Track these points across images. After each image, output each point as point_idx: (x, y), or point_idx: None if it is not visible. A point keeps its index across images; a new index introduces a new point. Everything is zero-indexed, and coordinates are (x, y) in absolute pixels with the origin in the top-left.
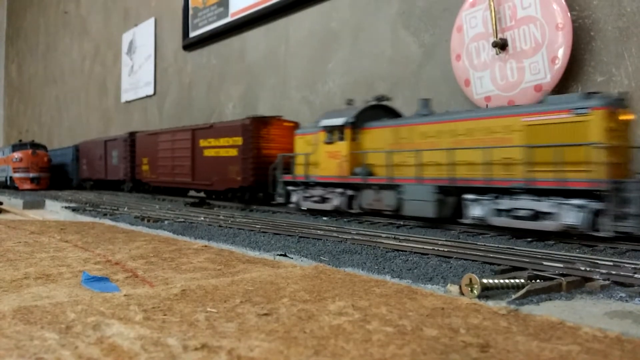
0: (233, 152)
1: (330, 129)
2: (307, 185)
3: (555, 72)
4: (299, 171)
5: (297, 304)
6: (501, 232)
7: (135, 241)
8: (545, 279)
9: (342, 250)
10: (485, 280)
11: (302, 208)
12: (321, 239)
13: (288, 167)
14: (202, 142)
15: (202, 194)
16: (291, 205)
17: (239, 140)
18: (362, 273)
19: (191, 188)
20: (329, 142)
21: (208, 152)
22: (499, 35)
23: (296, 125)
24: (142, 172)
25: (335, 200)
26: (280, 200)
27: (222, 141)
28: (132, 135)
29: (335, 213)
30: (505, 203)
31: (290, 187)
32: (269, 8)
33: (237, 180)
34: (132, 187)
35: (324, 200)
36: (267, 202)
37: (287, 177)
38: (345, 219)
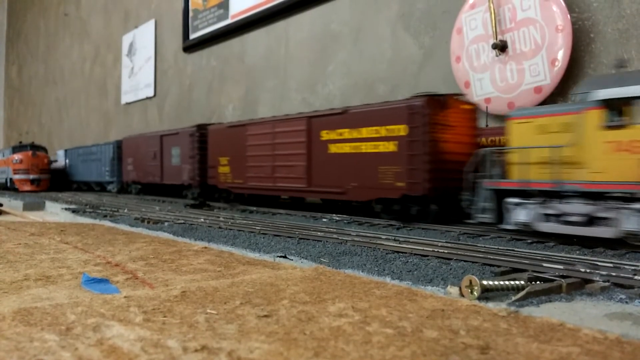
0: (389, 147)
1: (619, 104)
2: (548, 196)
3: (555, 74)
4: (523, 174)
5: (297, 306)
6: (501, 234)
7: (135, 243)
8: (545, 280)
9: (342, 251)
10: (485, 282)
11: (541, 230)
12: (321, 241)
13: (478, 168)
14: (326, 134)
15: (318, 201)
16: (508, 227)
17: (400, 130)
18: (362, 275)
19: (306, 196)
20: (616, 126)
21: (337, 148)
22: (499, 37)
23: (475, 108)
24: (219, 176)
25: (628, 221)
26: (484, 218)
27: (367, 132)
28: (201, 128)
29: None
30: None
31: (510, 200)
32: (269, 10)
33: (396, 187)
34: (199, 193)
35: (591, 221)
36: (446, 218)
37: (503, 184)
38: (345, 221)
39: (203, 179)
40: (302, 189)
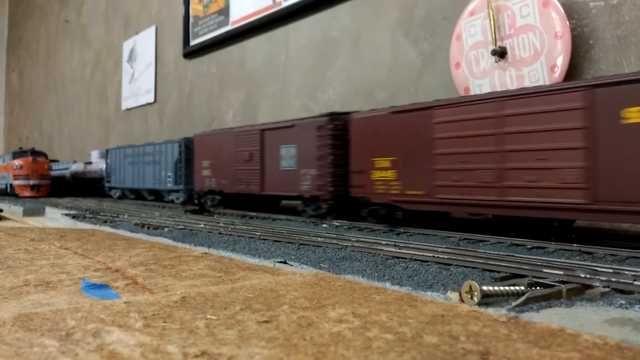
0: None
1: None
2: None
3: (555, 80)
4: None
5: (297, 311)
6: (501, 239)
7: (135, 248)
8: (545, 286)
9: (342, 257)
10: (485, 288)
11: None
12: (321, 246)
13: None
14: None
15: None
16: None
17: None
18: (362, 280)
19: (591, 219)
20: None
21: None
22: (498, 44)
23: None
24: (372, 185)
25: None
26: None
27: None
28: (335, 118)
29: None
30: None
31: None
32: (269, 16)
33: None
34: (332, 209)
35: None
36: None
37: None
38: (345, 226)
39: (339, 189)
40: (578, 203)
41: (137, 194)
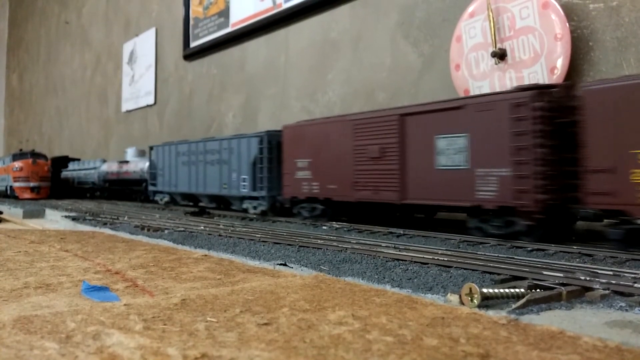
0: None
1: None
2: None
3: (554, 82)
4: None
5: (297, 314)
6: (501, 242)
7: (135, 250)
8: (545, 288)
9: (342, 259)
10: (485, 290)
11: None
12: (321, 248)
13: None
14: None
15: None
16: None
17: None
18: (362, 282)
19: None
20: None
21: None
22: (498, 46)
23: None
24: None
25: None
26: None
27: None
28: (546, 91)
29: None
30: None
31: None
32: (269, 18)
33: None
34: (541, 223)
35: None
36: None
37: None
38: (345, 228)
39: (554, 197)
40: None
41: (194, 200)
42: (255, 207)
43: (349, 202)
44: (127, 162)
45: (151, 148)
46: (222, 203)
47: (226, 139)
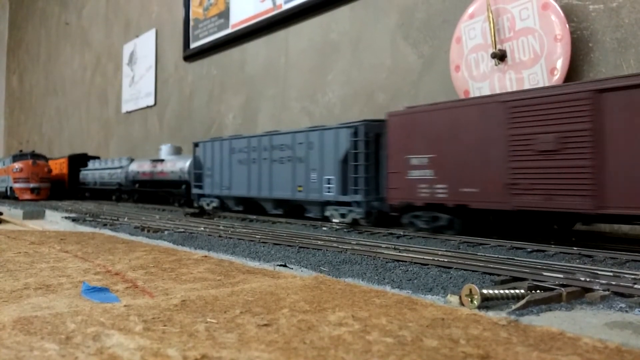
0: None
1: None
2: None
3: (554, 83)
4: None
5: (297, 315)
6: (501, 242)
7: (135, 251)
8: (545, 289)
9: (342, 260)
10: (485, 291)
11: None
12: (321, 250)
13: None
14: None
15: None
16: None
17: None
18: (362, 283)
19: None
20: None
21: None
22: (498, 47)
23: None
24: None
25: None
26: None
27: None
28: None
29: None
30: None
31: None
32: (269, 19)
33: None
34: None
35: None
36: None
37: None
38: (345, 229)
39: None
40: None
41: (251, 206)
42: (344, 215)
43: (497, 211)
44: (161, 160)
45: (196, 144)
46: (294, 210)
47: (303, 131)
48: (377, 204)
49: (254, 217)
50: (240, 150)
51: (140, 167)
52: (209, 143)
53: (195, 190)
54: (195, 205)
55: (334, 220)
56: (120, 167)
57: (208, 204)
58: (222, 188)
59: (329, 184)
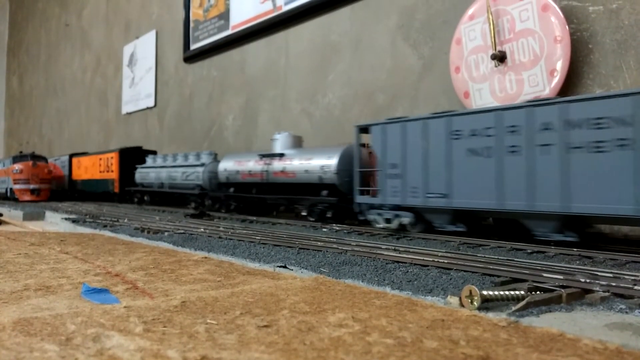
0: None
1: None
2: None
3: (554, 84)
4: None
5: (297, 316)
6: (501, 243)
7: (135, 253)
8: (545, 290)
9: (342, 261)
10: (485, 292)
11: None
12: (321, 251)
13: None
14: None
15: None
16: None
17: None
18: (362, 284)
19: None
20: None
21: None
22: (498, 48)
23: None
24: None
25: None
26: None
27: None
28: None
29: None
30: None
31: None
32: (269, 21)
33: None
34: None
35: None
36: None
37: None
38: (345, 231)
39: None
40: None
41: (486, 227)
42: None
43: None
44: (279, 155)
45: (363, 129)
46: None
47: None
48: None
49: (254, 218)
50: (475, 134)
51: (241, 164)
52: (396, 126)
53: (361, 199)
54: (362, 218)
55: None
56: (201, 165)
57: (389, 220)
58: (427, 195)
59: None
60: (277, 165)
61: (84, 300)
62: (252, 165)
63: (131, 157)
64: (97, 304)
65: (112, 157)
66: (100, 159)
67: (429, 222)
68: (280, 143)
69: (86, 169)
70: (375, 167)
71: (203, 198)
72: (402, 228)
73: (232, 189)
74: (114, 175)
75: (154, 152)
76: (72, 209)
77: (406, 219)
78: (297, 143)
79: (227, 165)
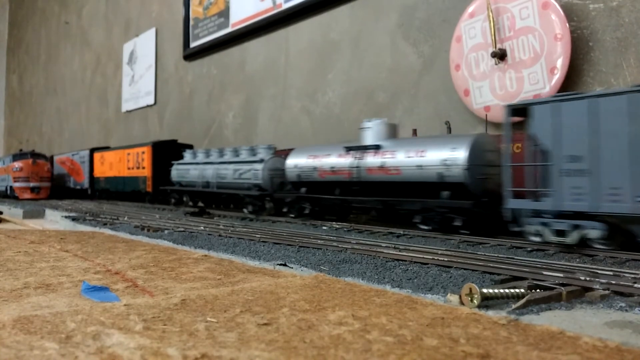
0: None
1: None
2: None
3: (554, 82)
4: None
5: (297, 314)
6: (501, 241)
7: (135, 251)
8: (545, 288)
9: (342, 259)
10: (485, 290)
11: None
12: (321, 249)
13: None
14: None
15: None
16: None
17: None
18: (362, 282)
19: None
20: None
21: None
22: (498, 46)
23: None
24: None
25: None
26: None
27: None
28: None
29: None
30: None
31: None
32: (269, 19)
33: None
34: None
35: None
36: None
37: None
38: (345, 229)
39: None
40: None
41: None
42: None
43: None
44: (375, 147)
45: (516, 110)
46: None
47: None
48: None
49: (253, 216)
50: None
51: (318, 159)
52: (579, 104)
53: (518, 203)
54: (515, 229)
55: None
56: (259, 161)
57: (563, 232)
58: (637, 199)
59: None
60: (372, 160)
61: (84, 298)
62: (334, 160)
63: (165, 152)
64: (97, 302)
65: (143, 152)
66: (129, 153)
67: (634, 235)
68: (373, 133)
69: (111, 165)
70: (539, 162)
71: (263, 200)
72: (582, 243)
73: (303, 189)
74: (146, 172)
75: (191, 147)
76: (72, 207)
77: (594, 231)
78: (393, 133)
79: (298, 161)
